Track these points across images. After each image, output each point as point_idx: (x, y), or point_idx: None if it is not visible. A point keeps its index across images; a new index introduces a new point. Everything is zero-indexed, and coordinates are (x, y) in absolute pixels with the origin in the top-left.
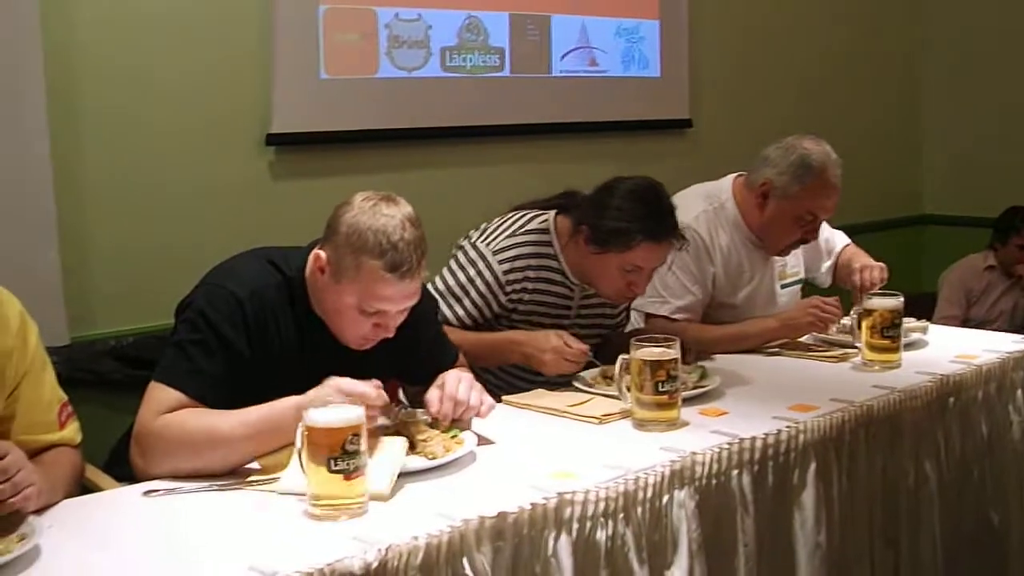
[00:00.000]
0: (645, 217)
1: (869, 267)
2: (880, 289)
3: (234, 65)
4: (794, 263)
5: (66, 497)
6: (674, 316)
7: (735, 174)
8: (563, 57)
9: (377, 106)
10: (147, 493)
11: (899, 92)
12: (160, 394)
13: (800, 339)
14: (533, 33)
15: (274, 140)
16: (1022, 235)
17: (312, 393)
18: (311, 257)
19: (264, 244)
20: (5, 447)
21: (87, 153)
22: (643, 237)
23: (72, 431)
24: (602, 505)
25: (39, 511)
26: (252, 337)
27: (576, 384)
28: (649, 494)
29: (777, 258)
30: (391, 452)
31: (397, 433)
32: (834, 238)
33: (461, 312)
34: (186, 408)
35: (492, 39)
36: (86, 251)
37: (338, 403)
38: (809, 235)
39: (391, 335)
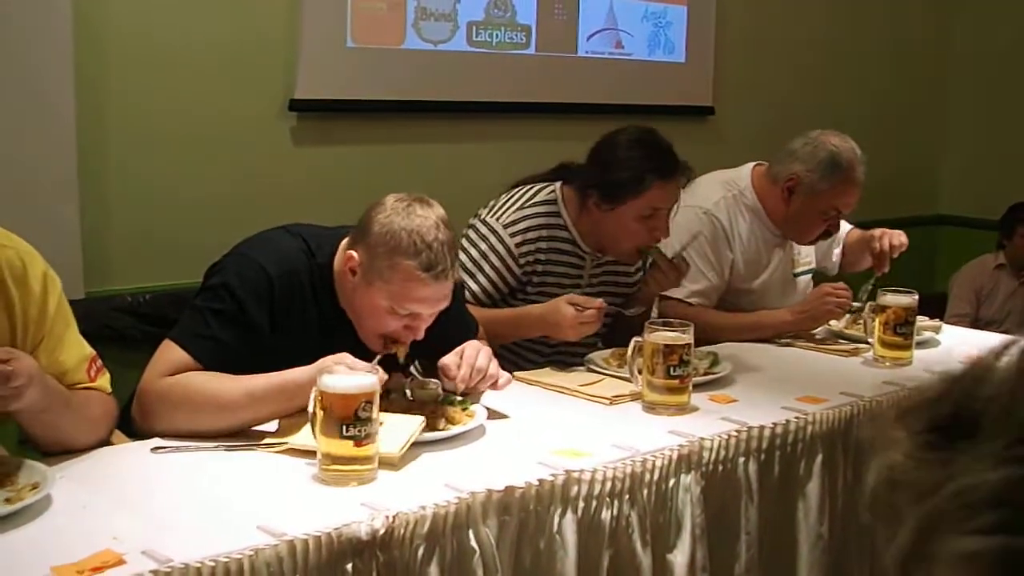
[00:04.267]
0: (649, 158)
1: (888, 232)
2: (894, 286)
3: (261, 29)
4: (807, 252)
5: (99, 441)
6: (688, 300)
7: (754, 163)
8: (589, 38)
9: (401, 77)
10: (155, 450)
11: (922, 91)
12: (170, 354)
13: (813, 332)
14: (560, 12)
15: (297, 106)
16: None
17: (314, 367)
18: (342, 256)
19: (283, 207)
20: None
21: (110, 110)
22: (654, 177)
23: (103, 382)
24: (608, 485)
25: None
26: (275, 316)
27: (588, 364)
28: (656, 476)
29: (794, 246)
30: (407, 423)
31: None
32: (841, 228)
33: (476, 288)
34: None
35: (519, 16)
36: (106, 208)
37: (354, 366)
38: (833, 228)
39: (419, 338)
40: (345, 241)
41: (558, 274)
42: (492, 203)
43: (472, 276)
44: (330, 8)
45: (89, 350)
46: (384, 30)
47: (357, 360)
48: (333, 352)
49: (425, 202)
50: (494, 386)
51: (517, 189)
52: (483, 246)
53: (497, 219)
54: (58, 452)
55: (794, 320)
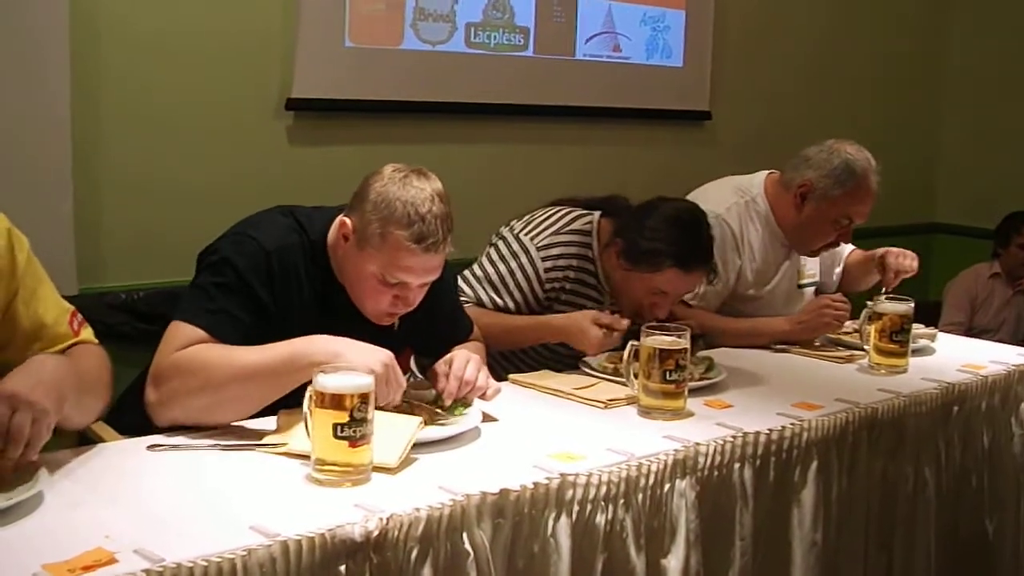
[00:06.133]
0: (679, 243)
1: (901, 252)
2: (893, 292)
3: (259, 28)
4: (811, 265)
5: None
6: (689, 302)
7: (767, 171)
8: (587, 41)
9: (399, 78)
10: (151, 447)
11: (918, 98)
12: (180, 331)
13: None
14: (559, 15)
15: (294, 105)
16: (1022, 234)
17: (342, 345)
18: (336, 224)
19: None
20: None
21: (106, 109)
22: (672, 263)
23: (87, 334)
24: (603, 489)
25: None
26: (275, 291)
27: (584, 368)
28: (651, 481)
29: (801, 257)
30: (405, 427)
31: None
32: (843, 246)
33: (500, 303)
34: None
35: (518, 18)
36: (101, 204)
37: (350, 366)
38: (843, 238)
39: (411, 308)
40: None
41: (578, 306)
42: (528, 218)
43: (496, 291)
44: (328, 7)
45: (68, 305)
46: (382, 30)
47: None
48: (329, 328)
49: (423, 174)
50: (483, 397)
51: (557, 209)
52: (512, 264)
53: (531, 239)
54: (72, 428)
55: (791, 330)
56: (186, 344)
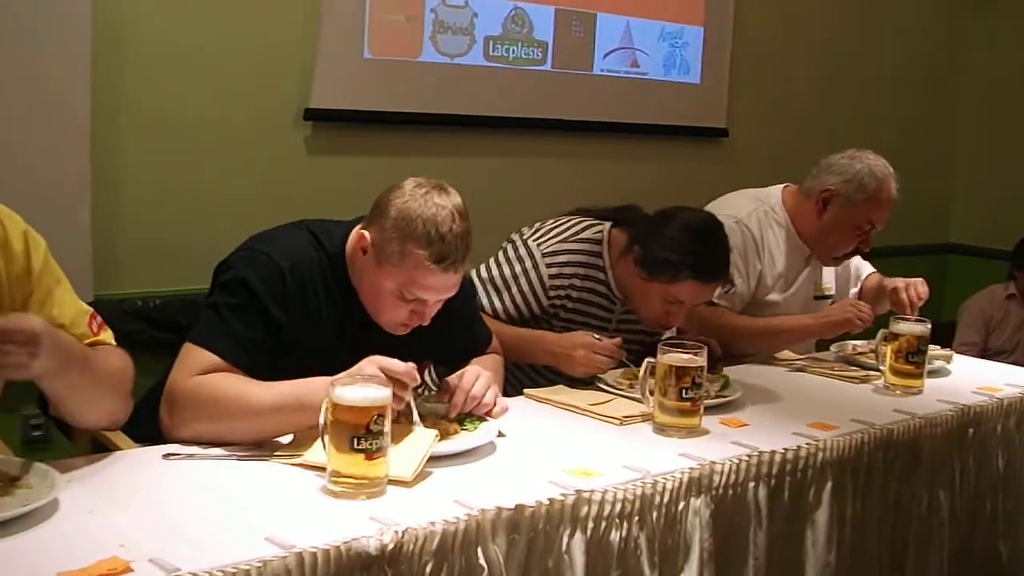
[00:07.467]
0: (696, 254)
1: (912, 283)
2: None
3: (278, 39)
4: (828, 280)
5: (124, 401)
6: (715, 299)
7: (783, 184)
8: (605, 56)
9: (417, 90)
10: (167, 456)
11: (934, 117)
12: (195, 355)
13: (824, 358)
14: (578, 29)
15: (312, 115)
16: None
17: (345, 373)
18: (354, 236)
19: (295, 215)
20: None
21: (125, 115)
22: (690, 274)
23: (107, 337)
24: (619, 506)
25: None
26: (290, 308)
27: (599, 384)
28: (666, 499)
29: (819, 270)
30: (420, 441)
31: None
32: (861, 265)
33: (499, 305)
34: (220, 371)
35: (536, 32)
36: (119, 211)
37: (367, 379)
38: (863, 245)
39: (426, 323)
40: (360, 224)
41: (587, 314)
42: (538, 225)
43: (499, 293)
44: (348, 19)
45: (87, 307)
46: (401, 42)
47: (392, 360)
48: (348, 341)
49: (443, 189)
50: (489, 414)
51: (568, 219)
52: (517, 268)
53: (538, 245)
54: (87, 425)
55: (813, 323)
56: (200, 370)
